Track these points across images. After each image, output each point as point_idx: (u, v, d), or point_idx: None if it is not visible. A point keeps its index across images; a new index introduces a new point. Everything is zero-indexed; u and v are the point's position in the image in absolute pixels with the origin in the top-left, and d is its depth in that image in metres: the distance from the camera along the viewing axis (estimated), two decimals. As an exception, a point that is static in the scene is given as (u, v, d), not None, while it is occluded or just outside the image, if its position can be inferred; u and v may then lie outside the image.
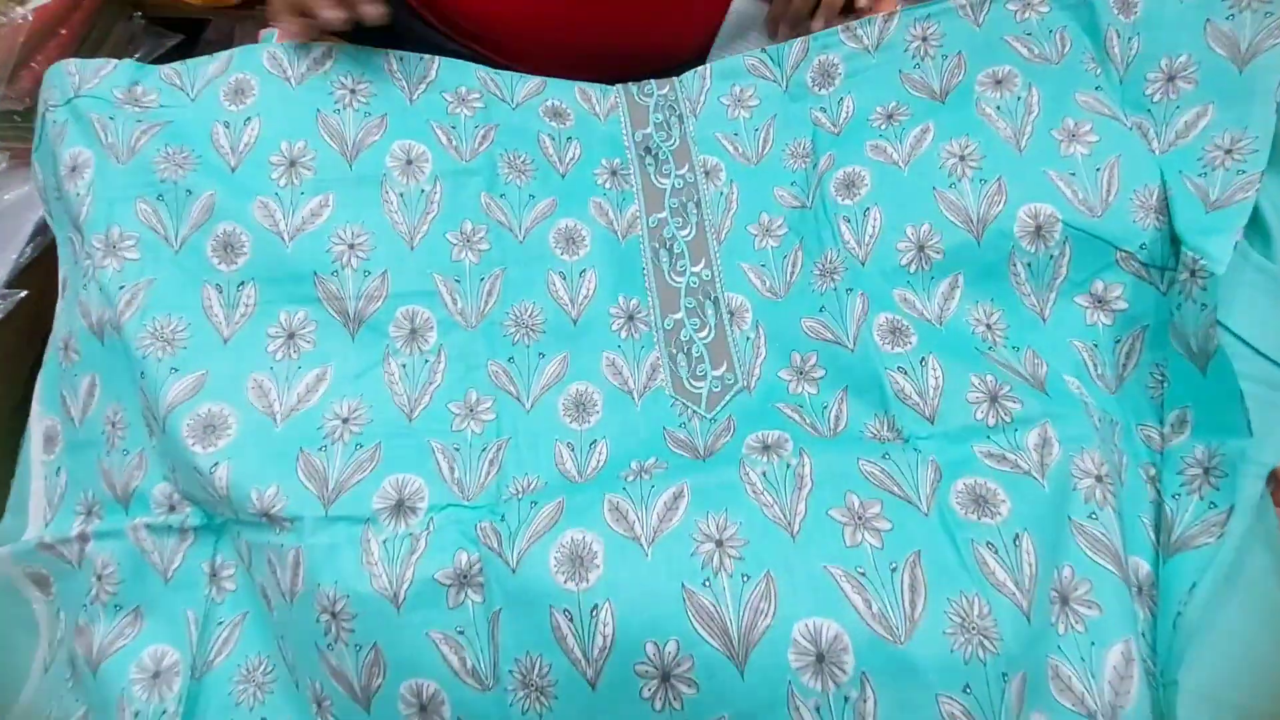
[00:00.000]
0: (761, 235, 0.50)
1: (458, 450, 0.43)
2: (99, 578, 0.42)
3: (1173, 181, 0.42)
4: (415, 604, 0.38)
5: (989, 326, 0.44)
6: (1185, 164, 0.43)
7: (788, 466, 0.40)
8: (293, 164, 0.46)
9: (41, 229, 0.70)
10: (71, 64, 0.49)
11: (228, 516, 0.42)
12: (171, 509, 0.43)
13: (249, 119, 0.47)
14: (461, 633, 0.37)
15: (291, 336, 0.44)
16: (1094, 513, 0.38)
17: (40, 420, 0.47)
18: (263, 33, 0.51)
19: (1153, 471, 0.42)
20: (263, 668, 0.42)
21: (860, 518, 0.38)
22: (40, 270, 0.68)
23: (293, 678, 0.41)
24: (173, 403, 0.41)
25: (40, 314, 0.55)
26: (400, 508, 0.40)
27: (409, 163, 0.48)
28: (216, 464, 0.40)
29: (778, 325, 0.48)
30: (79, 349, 0.46)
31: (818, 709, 0.34)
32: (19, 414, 0.49)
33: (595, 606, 0.36)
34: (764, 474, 0.40)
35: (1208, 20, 0.43)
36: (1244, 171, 0.41)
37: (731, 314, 0.48)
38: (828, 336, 0.46)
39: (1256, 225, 0.42)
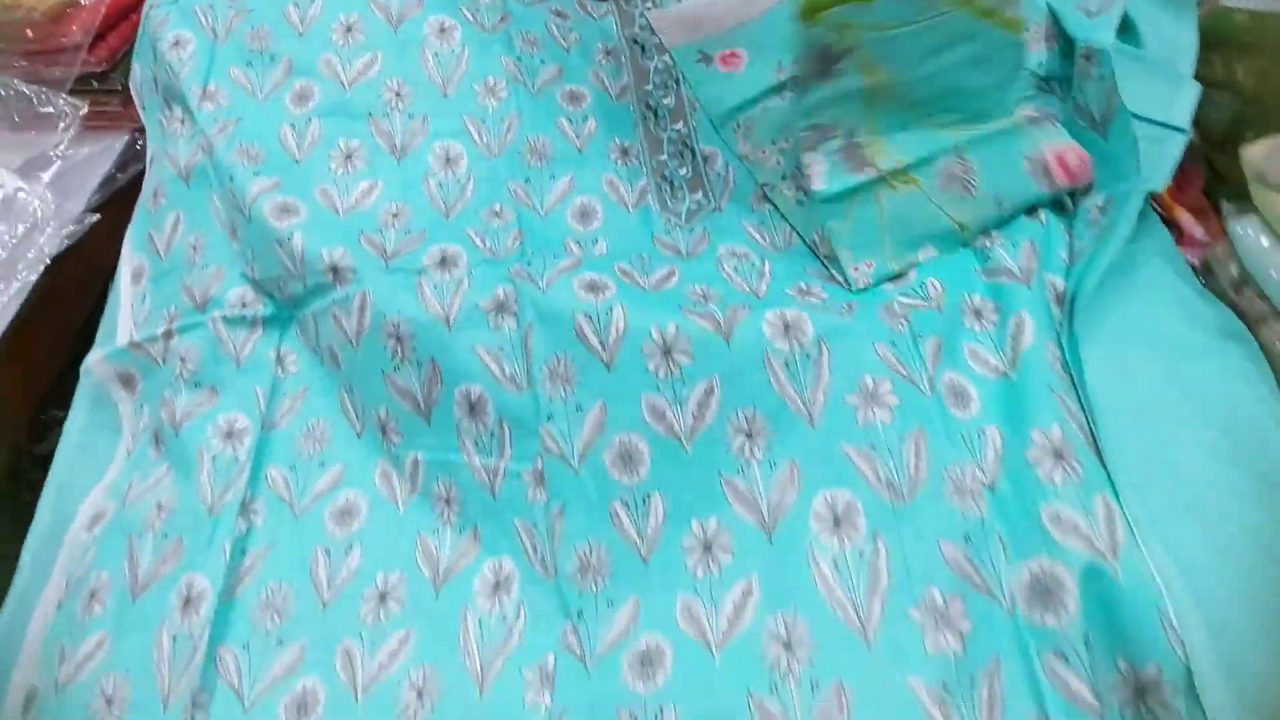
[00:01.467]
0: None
1: (487, 233, 0.51)
2: (182, 360, 0.50)
3: (1060, 9, 0.53)
4: (463, 325, 0.46)
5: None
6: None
7: (808, 357, 0.44)
8: (349, 29, 0.57)
9: (108, 180, 0.80)
10: None
11: (297, 293, 0.49)
12: (244, 305, 0.51)
13: (313, 1, 0.58)
14: (500, 349, 0.45)
15: (349, 157, 0.53)
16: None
17: (129, 260, 0.55)
18: None
19: (1068, 237, 0.50)
20: (321, 426, 0.49)
21: (873, 396, 0.43)
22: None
23: (358, 424, 0.48)
24: (257, 194, 0.50)
25: (97, 259, 0.62)
26: (445, 262, 0.49)
27: (442, 30, 0.59)
28: (293, 234, 0.49)
29: (744, 173, 0.58)
30: (166, 193, 0.55)
31: (786, 364, 0.43)
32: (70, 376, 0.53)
33: (610, 309, 0.44)
34: (785, 364, 0.44)
35: None
36: None
37: (705, 159, 0.59)
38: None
39: (1132, 34, 0.52)
